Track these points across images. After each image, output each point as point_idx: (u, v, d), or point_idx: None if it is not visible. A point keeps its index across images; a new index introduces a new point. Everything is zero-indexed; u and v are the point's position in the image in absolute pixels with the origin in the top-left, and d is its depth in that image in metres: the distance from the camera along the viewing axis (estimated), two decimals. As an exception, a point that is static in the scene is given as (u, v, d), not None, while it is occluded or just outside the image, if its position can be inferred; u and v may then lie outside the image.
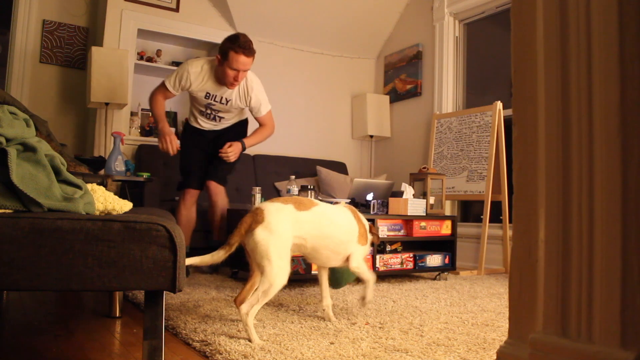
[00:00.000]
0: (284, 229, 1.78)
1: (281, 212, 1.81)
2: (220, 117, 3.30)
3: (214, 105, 3.21)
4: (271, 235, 1.74)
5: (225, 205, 3.34)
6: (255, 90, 3.20)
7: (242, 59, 2.97)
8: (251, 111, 3.30)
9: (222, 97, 3.17)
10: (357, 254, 2.05)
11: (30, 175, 1.18)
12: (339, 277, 2.27)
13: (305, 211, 1.88)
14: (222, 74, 3.03)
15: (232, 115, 3.33)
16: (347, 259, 2.05)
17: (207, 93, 3.15)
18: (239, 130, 3.39)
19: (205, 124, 3.33)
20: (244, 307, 1.66)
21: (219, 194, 3.31)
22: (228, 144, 3.18)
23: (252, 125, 3.45)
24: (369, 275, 2.07)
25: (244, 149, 3.27)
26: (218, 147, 3.23)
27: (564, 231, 0.85)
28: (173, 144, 3.06)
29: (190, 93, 3.19)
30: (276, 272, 1.69)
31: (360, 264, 2.06)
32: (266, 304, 2.20)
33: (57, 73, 4.49)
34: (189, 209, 3.29)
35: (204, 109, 3.26)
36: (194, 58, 3.17)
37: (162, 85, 3.17)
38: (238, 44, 2.96)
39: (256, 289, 1.77)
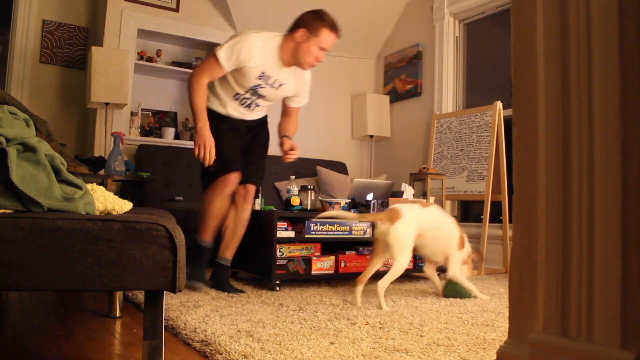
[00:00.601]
0: (414, 223, 2.34)
1: (412, 210, 2.38)
2: (257, 105, 2.80)
3: (262, 88, 2.70)
4: (407, 229, 2.31)
5: (248, 219, 2.82)
6: (310, 78, 2.87)
7: (333, 39, 2.67)
8: (292, 100, 2.89)
9: (276, 80, 2.70)
10: (454, 259, 2.53)
11: (30, 175, 1.18)
12: (457, 292, 2.60)
13: (426, 208, 2.47)
14: (304, 52, 2.62)
15: (267, 105, 2.87)
16: (447, 260, 2.55)
17: (263, 73, 2.64)
18: (266, 131, 2.97)
19: (235, 112, 2.77)
20: (380, 283, 2.28)
21: (250, 201, 2.82)
22: (288, 145, 2.78)
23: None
24: (466, 283, 2.55)
25: None
26: (252, 144, 2.83)
27: (564, 231, 0.85)
28: (212, 153, 2.56)
29: (240, 70, 2.61)
30: (404, 260, 2.31)
31: (457, 273, 2.54)
32: (266, 303, 2.31)
33: (57, 73, 4.49)
34: (225, 199, 2.70)
35: (242, 92, 2.71)
36: (249, 30, 2.65)
37: (211, 61, 2.59)
38: (330, 21, 2.65)
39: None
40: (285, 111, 2.94)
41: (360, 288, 2.33)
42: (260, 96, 2.75)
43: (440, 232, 2.50)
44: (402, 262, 2.30)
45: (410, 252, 2.34)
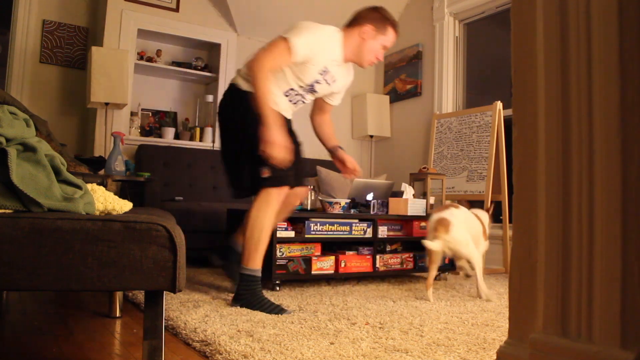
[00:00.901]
0: (463, 223, 2.68)
1: (454, 215, 2.67)
2: (303, 103, 2.61)
3: (319, 84, 2.49)
4: (461, 233, 2.62)
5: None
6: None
7: (394, 38, 2.58)
8: (333, 97, 2.70)
9: (332, 76, 2.51)
10: (482, 246, 2.84)
11: (30, 175, 1.18)
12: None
13: (459, 209, 2.76)
14: (368, 49, 2.49)
15: (310, 101, 2.67)
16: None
17: (325, 68, 2.44)
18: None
19: (285, 109, 2.52)
20: (479, 283, 2.64)
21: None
22: (352, 162, 2.66)
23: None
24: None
25: None
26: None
27: (564, 231, 0.85)
28: (289, 156, 2.24)
29: (304, 64, 2.37)
30: (477, 254, 2.66)
31: (478, 255, 2.75)
32: (266, 304, 2.26)
33: (57, 73, 4.49)
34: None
35: (296, 88, 2.47)
36: (309, 21, 2.42)
37: (282, 47, 2.27)
38: (393, 20, 2.55)
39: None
40: (322, 108, 2.76)
41: (430, 290, 2.60)
42: (313, 92, 2.54)
43: (472, 229, 2.78)
44: (477, 257, 2.65)
45: (472, 243, 2.66)
